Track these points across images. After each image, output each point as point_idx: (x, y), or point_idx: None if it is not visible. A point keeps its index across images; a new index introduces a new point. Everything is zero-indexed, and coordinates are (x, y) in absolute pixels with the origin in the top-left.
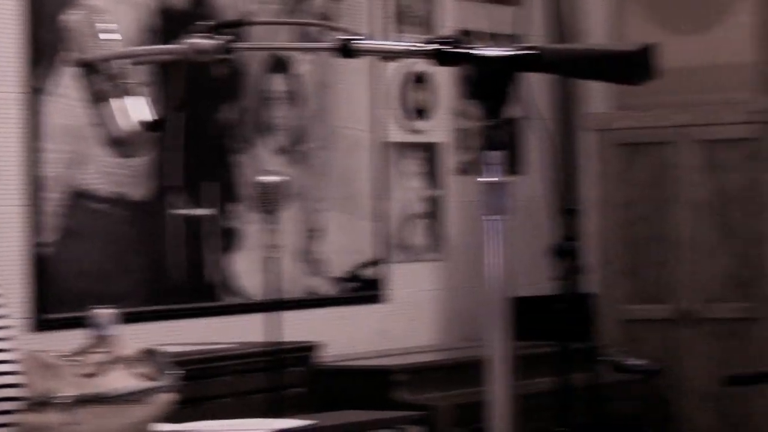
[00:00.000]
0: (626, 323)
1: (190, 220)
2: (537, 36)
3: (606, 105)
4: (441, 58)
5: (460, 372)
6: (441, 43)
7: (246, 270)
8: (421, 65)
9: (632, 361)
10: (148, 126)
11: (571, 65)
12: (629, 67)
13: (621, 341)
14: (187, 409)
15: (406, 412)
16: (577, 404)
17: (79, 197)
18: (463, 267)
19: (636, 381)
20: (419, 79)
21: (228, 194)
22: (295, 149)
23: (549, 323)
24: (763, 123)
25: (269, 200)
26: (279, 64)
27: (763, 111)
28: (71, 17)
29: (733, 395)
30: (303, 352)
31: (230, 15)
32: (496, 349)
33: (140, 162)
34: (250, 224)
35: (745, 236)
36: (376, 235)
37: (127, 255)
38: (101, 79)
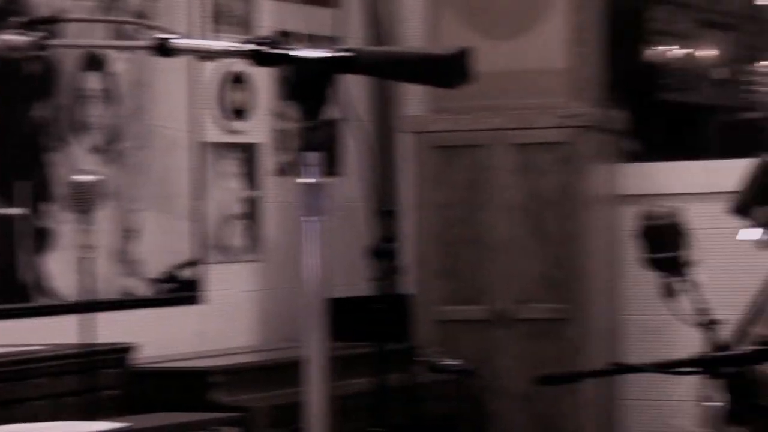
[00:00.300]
0: (442, 324)
1: (2, 219)
2: (355, 38)
3: (422, 107)
4: (259, 58)
5: (277, 373)
6: (258, 44)
7: (60, 270)
8: (239, 65)
9: (447, 362)
10: None
11: (388, 68)
12: (445, 70)
13: (437, 342)
14: None
15: (223, 413)
16: (394, 404)
17: None
18: (281, 268)
19: (451, 381)
20: (237, 80)
21: (41, 193)
22: (110, 148)
23: (366, 324)
24: (575, 127)
25: (84, 200)
26: (94, 62)
27: (575, 115)
28: None
29: (546, 395)
30: (118, 353)
31: (44, 11)
32: (314, 350)
33: None
34: (64, 224)
35: (558, 238)
36: (193, 235)
37: None
38: None
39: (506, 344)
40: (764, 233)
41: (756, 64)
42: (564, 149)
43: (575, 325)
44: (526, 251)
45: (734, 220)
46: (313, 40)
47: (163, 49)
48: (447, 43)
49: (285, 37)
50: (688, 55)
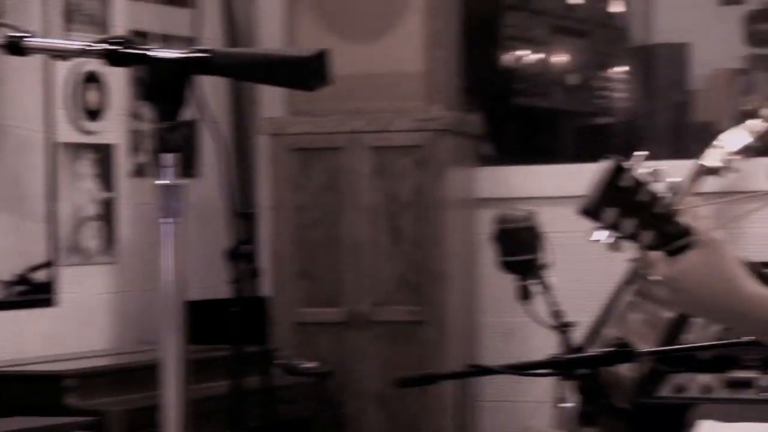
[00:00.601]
0: (299, 326)
1: None
2: (211, 39)
3: (280, 109)
4: (113, 58)
5: (133, 376)
6: (113, 44)
7: None
8: (94, 65)
9: (304, 364)
10: None
11: (245, 69)
12: (303, 72)
13: (294, 344)
14: None
15: (76, 417)
16: (251, 407)
17: None
18: (137, 270)
19: (308, 384)
20: (92, 79)
21: None
22: None
23: (223, 327)
24: (432, 131)
25: None
26: None
27: (431, 119)
28: None
29: (403, 397)
30: None
31: None
32: (170, 353)
33: None
34: None
35: (415, 241)
36: (47, 237)
37: None
38: None
39: (363, 347)
40: (610, 235)
41: (608, 71)
42: (420, 152)
43: (432, 327)
44: (383, 254)
45: (587, 223)
46: (169, 41)
47: (15, 48)
48: (304, 45)
49: (140, 37)
50: (542, 60)
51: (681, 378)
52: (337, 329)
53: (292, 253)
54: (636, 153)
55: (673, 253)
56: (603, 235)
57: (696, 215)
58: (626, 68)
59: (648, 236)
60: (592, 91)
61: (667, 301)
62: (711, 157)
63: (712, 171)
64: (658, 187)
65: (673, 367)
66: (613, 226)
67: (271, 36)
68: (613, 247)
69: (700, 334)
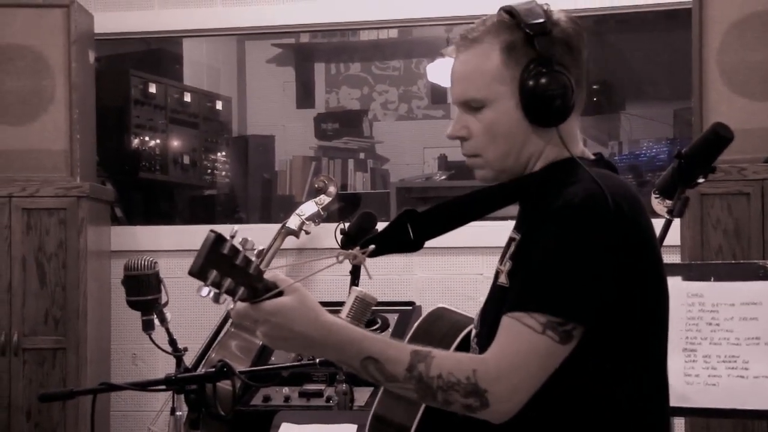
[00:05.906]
0: None
1: None
2: None
3: None
4: None
5: None
6: None
7: None
8: None
9: None
10: None
11: None
12: None
13: None
14: None
15: None
16: None
17: None
18: None
19: None
20: None
21: None
22: None
23: None
24: (73, 197)
25: None
26: None
27: (73, 188)
28: None
29: (48, 409)
30: None
31: None
32: None
33: None
34: None
35: (58, 284)
36: None
37: None
38: None
39: (16, 369)
40: (210, 291)
41: (213, 154)
42: (64, 214)
43: (72, 353)
44: (32, 294)
45: (192, 279)
46: None
47: None
48: None
49: None
50: (162, 144)
51: (268, 391)
52: None
53: None
54: (234, 227)
55: (261, 301)
56: (207, 291)
57: (277, 274)
58: (227, 152)
59: (243, 291)
60: (201, 169)
61: (266, 336)
62: (292, 222)
63: (293, 232)
64: (250, 254)
65: (262, 383)
66: (215, 285)
67: None
68: (215, 300)
69: (281, 357)
